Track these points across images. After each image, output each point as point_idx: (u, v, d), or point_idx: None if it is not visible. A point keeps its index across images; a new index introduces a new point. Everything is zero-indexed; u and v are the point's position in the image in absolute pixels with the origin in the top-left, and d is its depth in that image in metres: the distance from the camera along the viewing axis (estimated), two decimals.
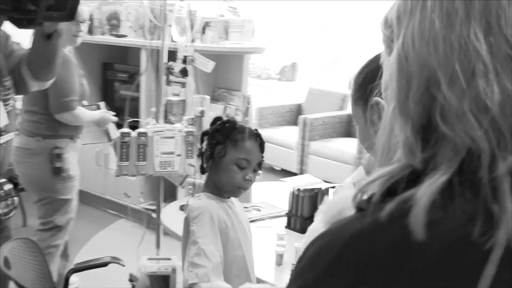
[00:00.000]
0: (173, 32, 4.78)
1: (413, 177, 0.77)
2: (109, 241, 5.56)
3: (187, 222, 2.43)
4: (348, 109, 7.94)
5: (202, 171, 2.55)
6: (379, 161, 0.91)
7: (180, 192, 5.37)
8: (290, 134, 7.66)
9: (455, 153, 0.74)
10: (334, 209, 1.55)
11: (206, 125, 3.92)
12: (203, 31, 5.10)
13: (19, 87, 3.01)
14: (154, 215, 5.30)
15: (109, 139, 4.22)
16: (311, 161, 7.32)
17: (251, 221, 3.11)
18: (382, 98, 0.95)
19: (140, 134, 3.74)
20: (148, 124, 3.85)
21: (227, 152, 2.41)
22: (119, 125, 4.21)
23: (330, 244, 0.80)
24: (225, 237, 2.43)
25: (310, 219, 3.36)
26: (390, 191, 0.78)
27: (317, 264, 0.80)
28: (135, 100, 5.67)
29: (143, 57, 5.45)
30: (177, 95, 5.36)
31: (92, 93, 5.06)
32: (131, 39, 5.70)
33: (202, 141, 2.53)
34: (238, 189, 2.47)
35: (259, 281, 2.70)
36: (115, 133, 4.12)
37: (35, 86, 3.05)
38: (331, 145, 7.33)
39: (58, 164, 3.96)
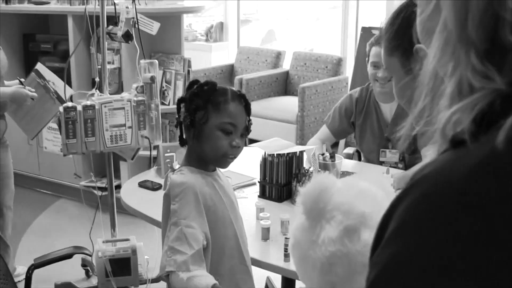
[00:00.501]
0: None
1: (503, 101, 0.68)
2: (52, 224, 5.18)
3: (167, 200, 2.17)
4: (285, 66, 7.72)
5: (182, 142, 2.29)
6: (419, 113, 0.86)
7: (123, 167, 5.02)
8: None
9: None
10: (311, 197, 1.45)
11: (157, 92, 3.61)
12: None
13: None
14: (96, 192, 4.97)
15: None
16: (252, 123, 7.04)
17: None
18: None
19: (86, 107, 3.38)
20: (93, 95, 3.49)
21: (210, 117, 2.14)
22: None
23: (439, 190, 0.67)
24: (214, 215, 2.19)
25: (287, 186, 3.11)
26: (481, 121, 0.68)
27: (426, 218, 0.66)
28: (60, 72, 5.23)
29: (70, 24, 5.03)
30: (110, 62, 4.99)
31: (13, 67, 4.64)
32: (55, 6, 5.26)
33: (178, 110, 2.24)
34: (225, 158, 2.22)
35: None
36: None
37: None
38: (270, 105, 7.12)
39: None
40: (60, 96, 3.95)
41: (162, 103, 4.86)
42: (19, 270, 4.37)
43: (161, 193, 3.23)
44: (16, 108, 4.07)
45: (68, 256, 3.07)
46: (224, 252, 2.24)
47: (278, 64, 7.76)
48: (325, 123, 3.89)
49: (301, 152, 3.22)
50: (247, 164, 3.60)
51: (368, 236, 1.48)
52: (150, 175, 3.49)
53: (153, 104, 3.54)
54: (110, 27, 3.66)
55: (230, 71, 7.98)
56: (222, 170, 2.36)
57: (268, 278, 3.19)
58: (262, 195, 3.18)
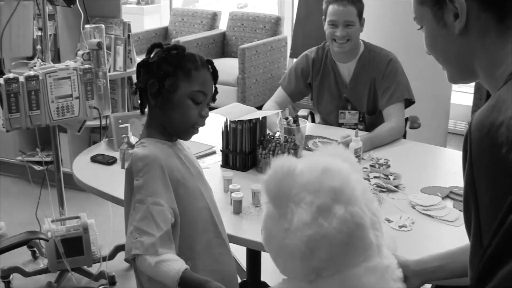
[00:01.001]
0: None
1: None
2: None
3: (129, 175, 1.97)
4: (221, 27, 7.50)
5: (142, 110, 2.08)
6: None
7: (64, 140, 4.75)
8: None
9: None
10: (274, 183, 1.42)
11: (104, 59, 3.37)
12: None
13: None
14: (36, 167, 4.71)
15: None
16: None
17: None
18: None
19: (29, 78, 3.12)
20: (35, 65, 3.23)
21: (180, 85, 1.96)
22: None
23: None
24: (183, 188, 2.01)
25: (251, 154, 2.95)
26: None
27: None
28: None
29: None
30: (41, 29, 4.68)
31: None
32: None
33: (138, 75, 2.03)
34: (191, 129, 2.05)
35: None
36: None
37: None
38: None
39: None
40: None
41: None
42: None
43: (115, 167, 3.05)
44: None
45: (24, 242, 2.83)
46: (198, 226, 2.06)
47: (214, 25, 7.54)
48: (280, 85, 3.72)
49: (264, 118, 3.06)
50: (204, 132, 3.42)
51: (343, 211, 1.38)
52: (101, 148, 3.26)
53: (101, 72, 3.33)
54: None
55: (164, 34, 7.71)
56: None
57: None
58: (225, 164, 3.01)
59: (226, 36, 7.43)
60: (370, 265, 1.45)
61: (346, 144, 2.94)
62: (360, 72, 3.52)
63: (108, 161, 3.08)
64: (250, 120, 2.95)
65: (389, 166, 2.90)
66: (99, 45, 3.26)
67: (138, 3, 8.65)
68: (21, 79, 3.09)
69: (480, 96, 5.32)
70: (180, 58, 1.97)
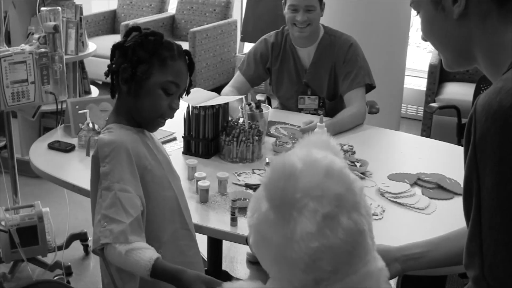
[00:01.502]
0: None
1: None
2: None
3: (95, 162, 1.90)
4: (170, 10, 7.39)
5: (113, 94, 1.99)
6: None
7: (14, 125, 4.60)
8: (112, 44, 6.91)
9: None
10: (277, 188, 1.32)
11: (61, 43, 3.27)
12: None
13: None
14: None
15: None
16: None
17: None
18: None
19: None
20: None
21: (153, 73, 1.89)
22: None
23: None
24: (150, 176, 1.95)
25: (214, 140, 2.90)
26: None
27: None
28: None
29: None
30: None
31: None
32: None
33: (112, 57, 1.96)
34: (158, 120, 1.98)
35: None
36: None
37: None
38: None
39: None
40: None
41: None
42: None
43: (73, 154, 2.96)
44: None
45: None
46: (165, 216, 2.00)
47: (163, 9, 7.42)
48: (239, 69, 3.67)
49: (227, 104, 3.01)
50: None
51: (347, 220, 1.33)
52: (58, 134, 3.16)
53: (57, 56, 3.22)
54: None
55: (112, 18, 7.55)
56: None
57: None
58: (187, 151, 2.95)
59: (176, 19, 7.32)
60: (368, 270, 1.42)
61: (311, 130, 2.91)
62: (320, 56, 3.49)
63: (66, 148, 2.98)
64: (213, 106, 2.90)
65: (354, 152, 2.89)
66: (56, 28, 3.16)
67: None
68: None
69: (434, 80, 5.36)
70: (157, 45, 1.90)
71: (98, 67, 6.51)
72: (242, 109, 3.02)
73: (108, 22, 7.50)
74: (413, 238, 1.75)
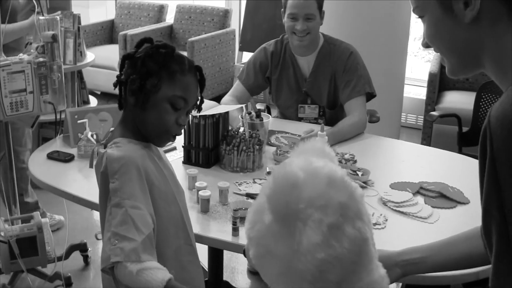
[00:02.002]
0: None
1: None
2: None
3: (104, 178, 1.85)
4: (168, 20, 7.39)
5: (121, 105, 1.96)
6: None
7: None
8: (110, 54, 6.93)
9: None
10: (282, 200, 1.28)
11: (59, 52, 3.25)
12: None
13: None
14: None
15: None
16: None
17: None
18: None
19: None
20: None
21: (162, 87, 1.85)
22: None
23: None
24: (157, 191, 1.91)
25: (215, 150, 2.88)
26: None
27: None
28: None
29: None
30: None
31: None
32: None
33: (122, 67, 1.93)
34: (166, 135, 1.94)
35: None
36: None
37: None
38: None
39: None
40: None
41: None
42: None
43: (72, 164, 2.94)
44: None
45: None
46: (169, 232, 1.97)
47: (161, 18, 7.41)
48: (238, 78, 3.66)
49: (227, 113, 2.99)
50: None
51: (352, 229, 1.31)
52: (57, 144, 3.15)
53: (56, 66, 3.20)
54: None
55: (110, 27, 7.54)
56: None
57: None
58: (187, 161, 2.93)
59: (174, 29, 7.32)
60: (372, 279, 1.40)
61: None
62: (320, 65, 3.48)
63: (65, 158, 2.97)
64: (213, 115, 2.88)
65: (355, 161, 2.87)
66: (54, 37, 3.14)
67: None
68: None
69: (434, 89, 5.35)
70: (168, 58, 1.86)
71: (96, 77, 6.52)
72: (242, 118, 3.00)
73: (106, 32, 7.49)
74: None
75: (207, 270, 3.19)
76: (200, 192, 2.46)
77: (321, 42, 3.49)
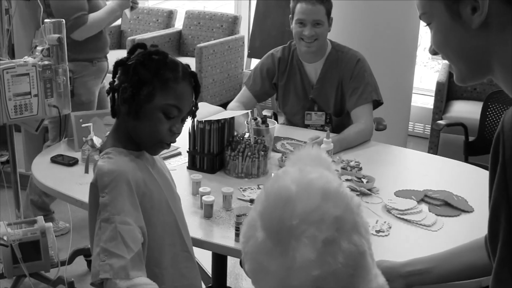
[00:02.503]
0: None
1: None
2: None
3: (94, 190, 1.83)
4: (177, 26, 7.39)
5: (114, 113, 1.91)
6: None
7: (17, 138, 4.58)
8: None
9: None
10: (275, 217, 1.25)
11: (64, 55, 3.25)
12: None
13: None
14: None
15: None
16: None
17: None
18: None
19: None
20: None
21: (155, 96, 1.80)
22: None
23: None
24: (150, 202, 1.87)
25: (219, 155, 2.87)
26: None
27: None
28: None
29: None
30: None
31: None
32: None
33: (115, 73, 1.88)
34: (159, 144, 1.89)
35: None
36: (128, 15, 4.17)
37: None
38: None
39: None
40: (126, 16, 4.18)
41: None
42: None
43: (76, 168, 2.93)
44: None
45: None
46: (165, 241, 1.94)
47: (170, 24, 7.41)
48: (245, 84, 3.64)
49: (232, 118, 2.98)
50: None
51: (347, 243, 1.28)
52: (61, 148, 3.14)
53: (61, 69, 3.19)
54: None
55: (119, 32, 7.54)
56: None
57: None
58: (192, 166, 2.92)
59: (182, 35, 7.32)
60: None
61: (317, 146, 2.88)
62: (327, 72, 3.46)
63: (69, 162, 2.96)
64: (218, 121, 2.86)
65: (361, 168, 2.85)
66: (60, 40, 3.13)
67: None
68: None
69: (441, 98, 5.32)
70: (160, 65, 1.81)
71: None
72: (247, 124, 2.98)
73: (115, 37, 7.49)
74: (420, 255, 1.71)
75: (210, 276, 3.17)
76: (203, 198, 2.44)
77: (328, 49, 3.48)
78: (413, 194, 2.61)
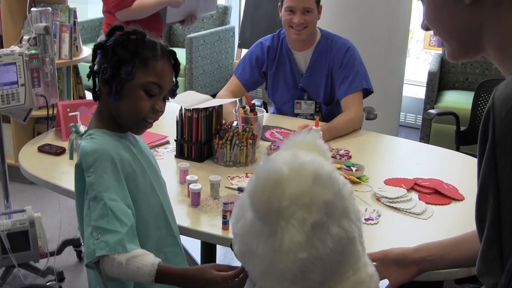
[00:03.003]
0: None
1: None
2: None
3: (79, 171, 1.83)
4: None
5: (96, 96, 1.91)
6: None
7: (6, 129, 4.55)
8: None
9: None
10: (263, 198, 1.25)
11: (52, 44, 3.21)
12: None
13: None
14: None
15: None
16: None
17: None
18: None
19: None
20: None
21: (135, 74, 1.80)
22: None
23: None
24: (134, 183, 1.87)
25: (207, 144, 2.84)
26: None
27: None
28: None
29: None
30: None
31: None
32: None
33: (94, 57, 1.88)
34: (143, 122, 1.88)
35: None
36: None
37: None
38: None
39: None
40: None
41: None
42: None
43: (64, 157, 2.90)
44: None
45: None
46: (149, 223, 1.93)
47: None
48: (234, 73, 3.62)
49: (220, 106, 2.95)
50: (158, 121, 3.29)
51: (336, 228, 1.26)
52: (49, 138, 3.11)
53: (48, 58, 3.16)
54: None
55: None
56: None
57: None
58: (180, 154, 2.89)
59: (172, 26, 7.27)
60: (359, 278, 1.36)
61: None
62: (317, 61, 3.44)
63: (57, 151, 2.93)
64: (206, 109, 2.84)
65: (350, 157, 2.83)
66: (46, 29, 3.10)
67: None
68: None
69: (433, 88, 5.30)
70: (139, 44, 1.81)
71: None
72: (235, 112, 2.96)
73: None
74: (409, 244, 1.70)
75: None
76: (190, 186, 2.42)
77: (318, 37, 3.45)
78: (402, 182, 2.60)
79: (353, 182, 2.60)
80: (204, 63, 6.63)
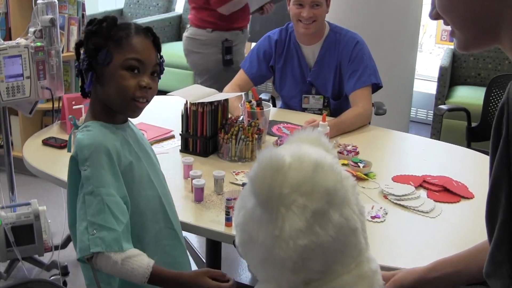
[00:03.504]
0: None
1: None
2: None
3: (74, 163, 1.80)
4: (177, 10, 7.32)
5: (84, 93, 1.89)
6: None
7: (14, 122, 4.54)
8: None
9: None
10: (264, 184, 1.25)
11: (57, 37, 3.19)
12: None
13: None
14: None
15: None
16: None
17: None
18: None
19: None
20: None
21: (112, 57, 1.78)
22: None
23: None
24: (130, 175, 1.85)
25: (213, 139, 2.81)
26: None
27: None
28: None
29: None
30: None
31: None
32: None
33: (78, 55, 1.88)
34: (134, 102, 1.83)
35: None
36: None
37: None
38: (165, 51, 6.57)
39: (229, 56, 4.19)
40: None
41: None
42: None
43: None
44: None
45: None
46: (147, 216, 1.91)
47: (170, 8, 7.33)
48: (241, 67, 3.57)
49: (226, 100, 2.91)
50: (163, 114, 3.27)
51: (338, 216, 1.24)
52: (53, 131, 3.08)
53: (54, 51, 3.14)
54: None
55: (119, 16, 7.45)
56: (133, 120, 1.99)
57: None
58: (185, 149, 2.86)
59: (183, 19, 7.24)
60: (361, 272, 1.33)
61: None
62: (325, 54, 3.39)
63: (61, 144, 2.90)
64: (211, 103, 2.80)
65: (358, 152, 2.79)
66: (52, 21, 3.07)
67: None
68: None
69: (444, 83, 5.24)
70: (110, 27, 1.80)
71: None
72: (241, 106, 2.92)
73: None
74: (417, 243, 1.66)
75: (205, 262, 3.13)
76: (194, 181, 2.39)
77: (326, 31, 3.41)
78: (411, 180, 2.55)
79: (360, 179, 2.55)
80: None
